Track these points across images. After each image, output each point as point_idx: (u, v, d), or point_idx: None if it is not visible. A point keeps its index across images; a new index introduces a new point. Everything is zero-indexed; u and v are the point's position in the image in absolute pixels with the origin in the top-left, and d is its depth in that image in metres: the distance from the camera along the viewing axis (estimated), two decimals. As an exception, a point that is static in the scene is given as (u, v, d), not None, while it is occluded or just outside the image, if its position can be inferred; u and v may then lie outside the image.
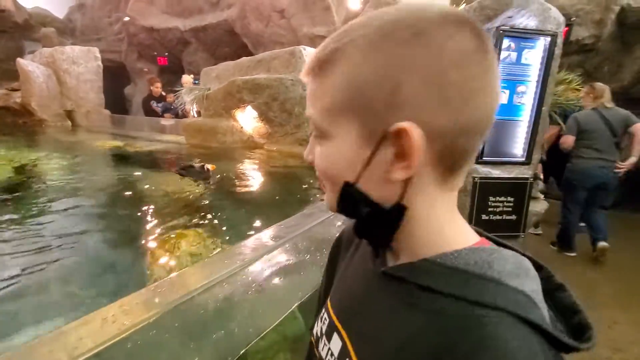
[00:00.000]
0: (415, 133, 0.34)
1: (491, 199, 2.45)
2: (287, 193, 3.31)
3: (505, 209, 2.48)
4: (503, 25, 2.47)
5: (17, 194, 3.12)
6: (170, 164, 4.65)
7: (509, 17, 2.57)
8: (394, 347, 0.37)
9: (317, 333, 0.51)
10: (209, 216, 2.54)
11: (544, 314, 0.34)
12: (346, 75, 0.37)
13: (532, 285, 0.36)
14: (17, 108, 8.05)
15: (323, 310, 0.51)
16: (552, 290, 0.39)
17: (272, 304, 0.97)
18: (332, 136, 0.39)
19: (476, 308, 0.33)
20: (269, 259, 1.05)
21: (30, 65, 7.86)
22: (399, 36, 0.34)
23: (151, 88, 7.28)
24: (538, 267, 0.40)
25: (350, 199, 0.40)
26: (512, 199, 2.50)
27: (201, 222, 2.40)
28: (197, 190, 3.16)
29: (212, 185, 3.32)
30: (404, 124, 0.34)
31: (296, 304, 1.01)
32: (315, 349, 0.50)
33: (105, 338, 0.55)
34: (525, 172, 2.55)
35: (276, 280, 1.03)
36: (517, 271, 0.36)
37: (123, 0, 11.81)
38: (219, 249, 2.00)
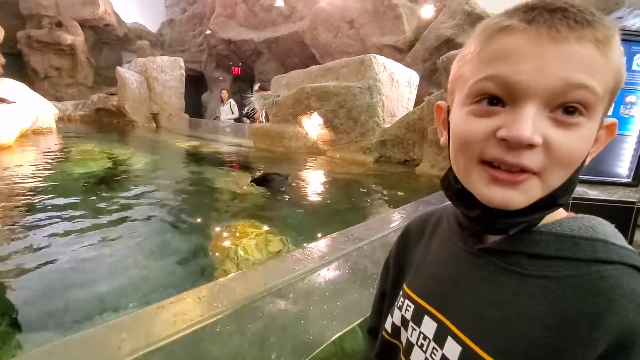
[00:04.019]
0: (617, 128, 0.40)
1: (586, 223, 2.12)
2: (348, 199, 3.23)
3: (603, 235, 2.13)
4: (610, 27, 2.17)
5: (113, 180, 3.56)
6: (239, 165, 4.84)
7: (619, 18, 2.25)
8: (508, 317, 0.37)
9: (395, 323, 0.50)
10: (270, 216, 2.55)
11: None
12: (615, 59, 0.36)
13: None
14: (113, 110, 9.10)
15: (402, 300, 0.50)
16: None
17: (333, 316, 0.89)
18: (596, 117, 0.37)
19: (593, 265, 0.35)
20: (335, 266, 0.97)
21: (127, 73, 8.84)
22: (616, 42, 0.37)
23: None
24: None
25: (572, 186, 0.39)
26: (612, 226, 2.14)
27: (263, 220, 2.41)
28: (261, 192, 3.21)
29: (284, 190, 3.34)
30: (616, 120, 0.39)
31: (359, 320, 0.93)
32: (394, 338, 0.50)
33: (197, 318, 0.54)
34: (631, 195, 2.17)
35: (339, 292, 0.95)
36: (616, 234, 0.38)
37: (207, 16, 12.85)
38: (279, 245, 1.98)
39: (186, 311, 0.60)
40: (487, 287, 0.40)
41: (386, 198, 3.14)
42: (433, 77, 7.03)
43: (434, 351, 0.42)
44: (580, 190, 2.16)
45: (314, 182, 3.85)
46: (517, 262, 0.38)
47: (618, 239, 0.37)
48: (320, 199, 3.28)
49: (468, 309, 0.41)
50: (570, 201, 2.14)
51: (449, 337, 0.41)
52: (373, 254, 1.06)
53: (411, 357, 0.45)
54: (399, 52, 7.68)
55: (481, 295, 0.40)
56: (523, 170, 0.36)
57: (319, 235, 2.15)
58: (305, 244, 1.25)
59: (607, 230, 0.38)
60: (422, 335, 0.44)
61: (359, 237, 0.99)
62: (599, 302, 0.33)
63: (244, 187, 3.31)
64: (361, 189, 3.48)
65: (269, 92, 7.09)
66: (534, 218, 0.39)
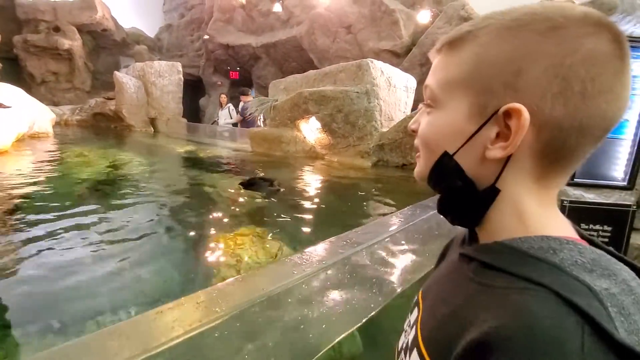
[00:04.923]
0: (524, 115, 0.36)
1: (583, 226, 2.12)
2: (345, 204, 3.23)
3: (600, 239, 2.14)
4: (604, 33, 2.20)
5: (111, 186, 3.58)
6: (236, 170, 4.84)
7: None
8: (446, 314, 0.39)
9: (408, 314, 0.55)
10: (268, 221, 2.55)
11: (611, 315, 0.30)
12: (473, 54, 0.39)
13: (608, 284, 0.32)
14: (110, 114, 9.09)
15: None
16: None
17: (332, 321, 0.89)
18: (444, 106, 0.42)
19: (521, 282, 0.33)
20: (333, 271, 0.97)
21: (124, 77, 8.84)
22: (534, 27, 0.36)
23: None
24: None
25: (444, 169, 0.43)
26: (609, 229, 2.15)
27: (260, 225, 2.41)
28: (258, 197, 3.21)
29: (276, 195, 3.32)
30: (516, 105, 0.36)
31: (358, 324, 0.93)
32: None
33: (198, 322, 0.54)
34: (626, 199, 2.19)
35: (338, 296, 0.95)
36: (591, 267, 0.34)
37: (205, 21, 12.90)
38: (278, 251, 1.98)
39: (185, 317, 0.61)
40: (451, 288, 0.43)
41: (384, 202, 3.14)
42: (430, 81, 7.06)
43: (408, 336, 0.47)
44: (576, 194, 2.17)
45: (311, 186, 3.85)
46: (473, 269, 0.40)
47: (582, 270, 0.33)
48: (317, 203, 3.28)
49: (432, 305, 0.45)
50: (567, 205, 2.15)
51: (415, 326, 0.46)
52: (371, 258, 1.07)
53: (399, 341, 0.50)
54: (396, 57, 7.73)
55: (445, 294, 0.43)
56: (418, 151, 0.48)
57: (316, 239, 2.15)
58: (303, 249, 1.25)
59: (576, 258, 0.34)
60: (409, 322, 0.50)
61: (357, 241, 0.99)
62: (492, 314, 0.32)
63: (238, 192, 3.31)
64: (359, 193, 3.49)
65: (249, 96, 7.28)
66: (453, 214, 0.46)
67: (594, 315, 0.29)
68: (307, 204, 3.18)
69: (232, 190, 3.38)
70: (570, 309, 0.30)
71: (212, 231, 2.37)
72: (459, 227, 0.55)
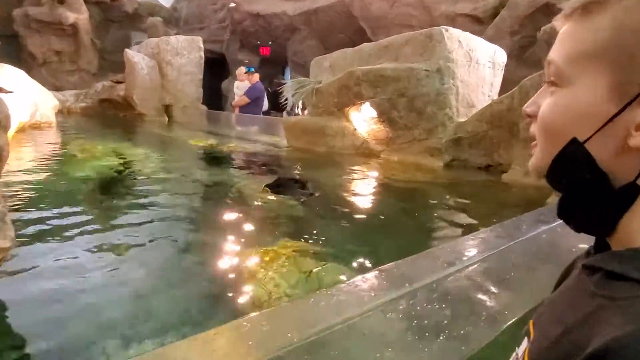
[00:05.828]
0: None
1: None
2: (411, 215, 3.19)
3: None
4: None
5: (120, 185, 3.86)
6: (264, 169, 4.94)
7: None
8: (559, 334, 0.40)
9: (515, 348, 0.57)
10: (300, 233, 2.56)
11: None
12: (615, 20, 0.41)
13: None
14: (119, 101, 9.72)
15: None
16: None
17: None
18: (573, 84, 0.44)
19: None
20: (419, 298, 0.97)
21: (136, 56, 9.42)
22: None
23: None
24: None
25: (571, 160, 0.44)
26: None
27: (292, 239, 2.43)
28: (288, 202, 3.25)
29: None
30: None
31: None
32: None
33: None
34: None
35: (425, 330, 0.95)
36: None
37: (230, -15, 13.42)
38: (315, 276, 2.00)
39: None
40: (567, 306, 0.44)
41: (464, 214, 3.07)
42: (525, 54, 6.82)
43: None
44: None
45: (361, 192, 3.86)
46: (596, 281, 0.41)
47: None
48: (368, 213, 3.28)
49: (544, 329, 0.46)
50: None
51: (523, 355, 0.48)
52: (463, 284, 1.04)
53: None
54: (478, 23, 7.56)
55: (559, 314, 0.44)
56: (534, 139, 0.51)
57: (368, 261, 2.14)
58: (356, 273, 1.24)
59: None
60: (516, 355, 0.53)
61: (448, 260, 0.98)
62: (611, 327, 0.34)
63: (263, 196, 3.37)
64: (430, 201, 3.43)
65: (255, 75, 7.85)
66: (578, 218, 0.48)
67: None
68: (354, 214, 3.19)
69: (257, 194, 3.46)
70: None
71: (237, 245, 2.42)
72: (580, 244, 0.58)
